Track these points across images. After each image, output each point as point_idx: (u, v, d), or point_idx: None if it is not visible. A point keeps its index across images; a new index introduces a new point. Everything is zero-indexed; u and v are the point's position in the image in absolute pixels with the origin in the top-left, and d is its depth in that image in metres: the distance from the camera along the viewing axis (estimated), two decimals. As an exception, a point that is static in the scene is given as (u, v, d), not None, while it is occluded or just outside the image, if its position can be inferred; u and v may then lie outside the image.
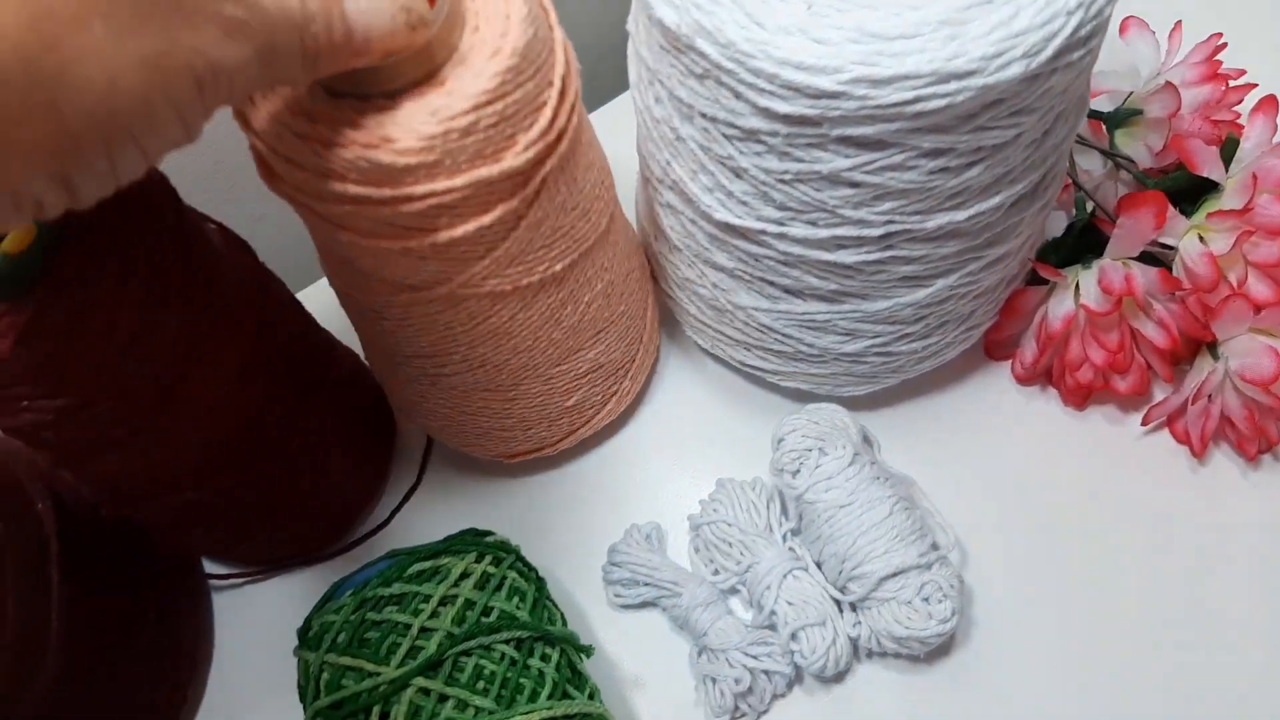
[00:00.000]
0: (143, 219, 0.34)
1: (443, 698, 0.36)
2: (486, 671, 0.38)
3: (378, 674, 0.37)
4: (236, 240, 0.43)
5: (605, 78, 0.60)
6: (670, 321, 0.56)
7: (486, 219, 0.36)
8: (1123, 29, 0.51)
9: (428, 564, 0.40)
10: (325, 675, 0.39)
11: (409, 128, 0.32)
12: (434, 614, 0.38)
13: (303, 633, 0.41)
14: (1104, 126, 0.52)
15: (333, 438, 0.49)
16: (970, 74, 0.32)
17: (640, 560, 0.50)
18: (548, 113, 0.35)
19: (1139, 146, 0.50)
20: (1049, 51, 0.32)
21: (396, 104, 0.33)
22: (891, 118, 0.33)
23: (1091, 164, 0.53)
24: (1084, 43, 0.33)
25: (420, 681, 0.36)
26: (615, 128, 0.52)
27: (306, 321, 0.47)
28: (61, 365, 0.34)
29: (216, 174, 0.44)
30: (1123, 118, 0.50)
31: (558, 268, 0.41)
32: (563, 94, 0.36)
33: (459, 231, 0.36)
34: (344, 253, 0.39)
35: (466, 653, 0.38)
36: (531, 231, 0.39)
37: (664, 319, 0.57)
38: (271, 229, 0.52)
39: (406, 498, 0.54)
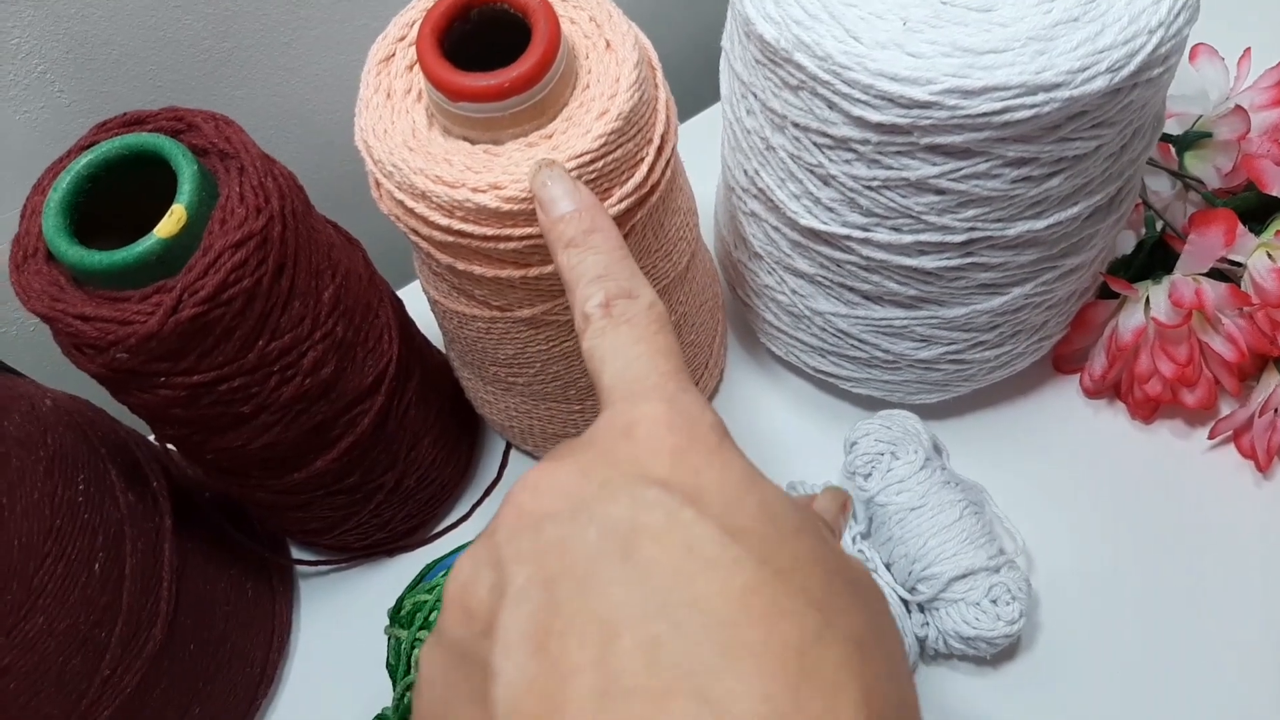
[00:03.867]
0: (281, 210, 0.37)
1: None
2: None
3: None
4: (351, 238, 0.46)
5: (693, 92, 0.63)
6: (744, 330, 0.58)
7: None
8: (1193, 55, 0.52)
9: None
10: (417, 651, 0.41)
11: (516, 177, 0.35)
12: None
13: (394, 612, 0.43)
14: (1173, 149, 0.53)
15: (426, 432, 0.51)
16: (1057, 86, 0.34)
17: (713, 557, 0.51)
18: (644, 169, 0.38)
19: (1208, 168, 0.51)
20: (1131, 67, 0.34)
21: (505, 151, 0.36)
22: (980, 127, 0.35)
23: (1160, 185, 0.54)
24: (1163, 60, 0.35)
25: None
26: (704, 138, 0.55)
27: (409, 319, 0.50)
28: (202, 341, 0.36)
29: (316, 179, 0.47)
30: (1192, 140, 0.52)
31: None
32: (660, 150, 0.39)
33: (548, 269, 0.39)
34: (440, 269, 0.41)
35: None
36: None
37: (738, 327, 0.59)
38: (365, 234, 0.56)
39: (488, 492, 0.56)
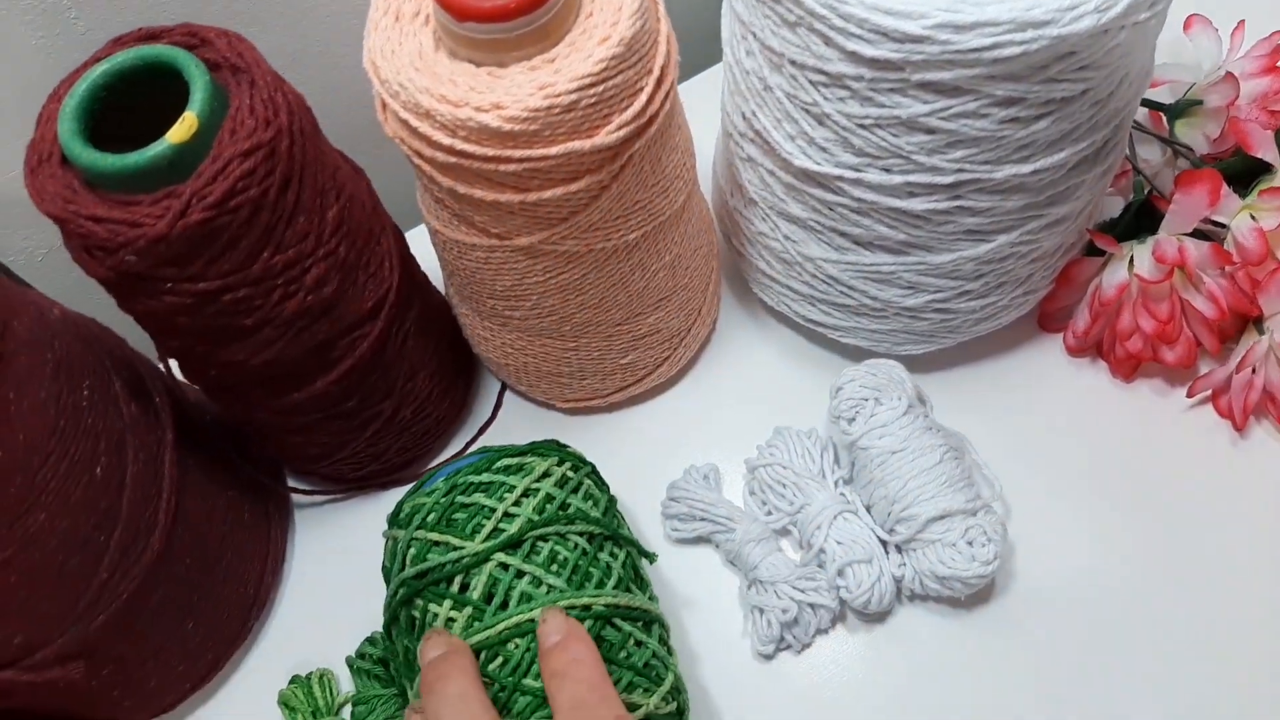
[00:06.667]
0: (289, 126, 0.38)
1: (520, 574, 0.40)
2: (560, 556, 0.41)
3: (462, 548, 0.40)
4: (357, 167, 0.47)
5: (703, 50, 0.64)
6: (738, 283, 0.59)
7: (574, 186, 0.40)
8: (1187, 25, 0.53)
9: (514, 460, 0.43)
10: (412, 550, 0.42)
11: (518, 98, 0.36)
12: (517, 502, 0.41)
13: (394, 515, 0.45)
14: (1164, 118, 0.55)
15: (423, 366, 0.52)
16: (1045, 24, 0.35)
17: (697, 497, 0.53)
18: (643, 98, 0.39)
19: (1197, 135, 0.53)
20: (1118, 9, 0.35)
21: (509, 74, 0.37)
22: (970, 63, 0.36)
23: (1151, 153, 0.56)
24: (1150, 4, 0.36)
25: (500, 557, 0.40)
26: (705, 98, 0.56)
27: (411, 254, 0.51)
28: (209, 248, 0.38)
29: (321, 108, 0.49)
30: (1183, 108, 0.53)
31: (632, 237, 0.45)
32: (659, 82, 0.40)
33: (547, 194, 0.40)
34: (441, 194, 0.42)
35: (544, 538, 0.41)
36: (613, 202, 0.42)
37: (732, 280, 0.60)
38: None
39: (482, 430, 0.57)
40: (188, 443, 0.48)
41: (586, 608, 0.40)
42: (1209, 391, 0.52)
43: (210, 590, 0.50)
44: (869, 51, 0.37)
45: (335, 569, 0.55)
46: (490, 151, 0.38)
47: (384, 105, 0.39)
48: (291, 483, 0.57)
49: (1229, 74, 0.50)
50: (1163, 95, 0.54)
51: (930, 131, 0.39)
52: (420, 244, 0.52)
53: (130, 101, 0.38)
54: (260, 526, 0.53)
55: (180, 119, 0.36)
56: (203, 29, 0.39)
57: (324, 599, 0.55)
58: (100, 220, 0.36)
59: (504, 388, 0.59)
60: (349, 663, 0.50)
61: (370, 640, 0.50)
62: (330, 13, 0.57)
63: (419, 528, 0.42)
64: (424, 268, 0.54)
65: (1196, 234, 0.49)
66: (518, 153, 0.38)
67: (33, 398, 0.39)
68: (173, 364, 0.47)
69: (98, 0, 0.50)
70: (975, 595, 0.50)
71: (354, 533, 0.56)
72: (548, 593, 0.40)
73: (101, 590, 0.43)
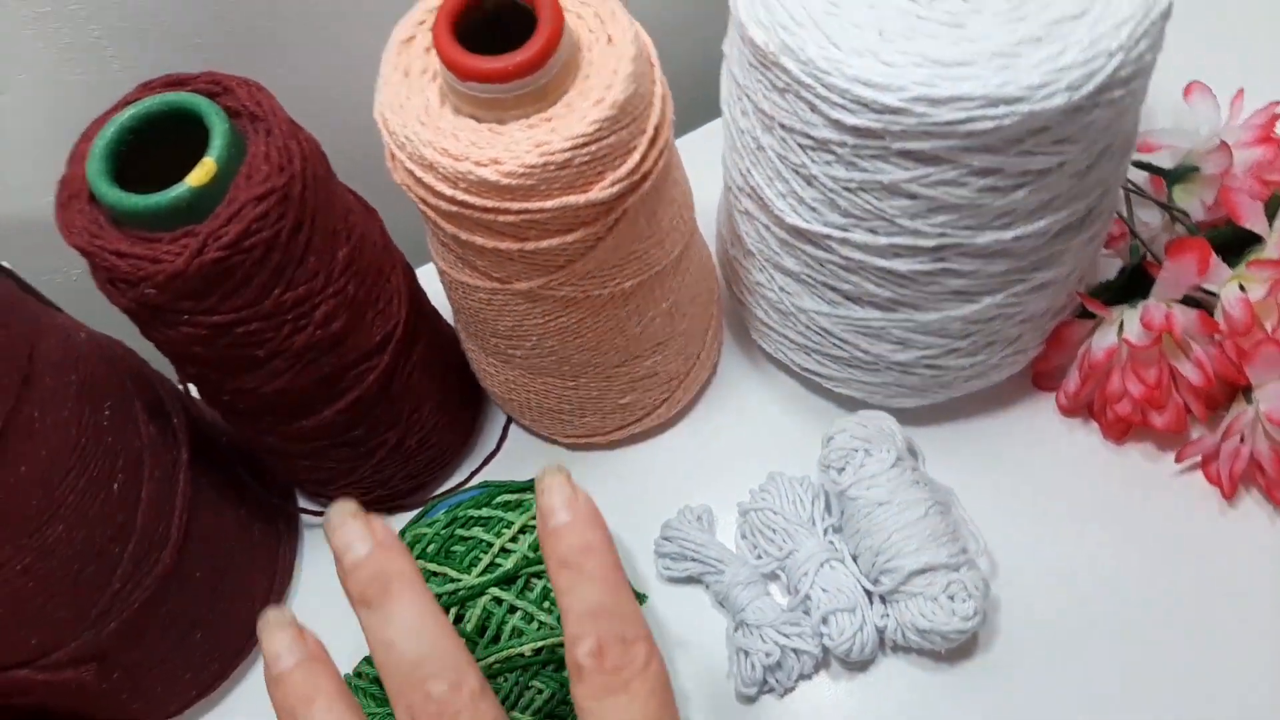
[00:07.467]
0: (302, 171, 0.41)
1: (512, 609, 0.42)
2: (553, 594, 0.42)
3: (459, 580, 0.42)
4: (369, 206, 0.49)
5: (708, 102, 0.66)
6: (738, 327, 0.61)
7: (569, 238, 0.42)
8: (1187, 92, 0.54)
9: (514, 496, 0.45)
10: None
11: (515, 154, 0.39)
12: (514, 538, 0.43)
13: (396, 542, 0.47)
14: (1164, 182, 0.55)
15: (429, 398, 0.54)
16: (1017, 100, 0.36)
17: (689, 537, 0.54)
18: (636, 156, 0.41)
19: (1194, 201, 0.53)
20: (1090, 87, 0.37)
21: (508, 130, 0.39)
22: (946, 134, 0.38)
23: (1151, 216, 0.56)
24: (1124, 83, 0.38)
25: (495, 591, 0.42)
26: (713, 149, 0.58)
27: (421, 290, 0.54)
28: (223, 284, 0.40)
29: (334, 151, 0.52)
30: (1181, 174, 0.54)
31: (627, 285, 0.47)
32: (653, 141, 0.42)
33: (543, 244, 0.42)
34: (445, 239, 0.45)
35: (538, 575, 0.43)
36: (608, 252, 0.44)
37: (734, 326, 0.62)
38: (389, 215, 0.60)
39: (486, 461, 0.59)
40: (202, 462, 0.51)
41: None
42: (1199, 458, 0.52)
43: (219, 604, 0.52)
44: (850, 120, 0.39)
45: (338, 588, 0.57)
46: (489, 203, 0.40)
47: (392, 155, 0.42)
48: (302, 504, 0.59)
49: (1223, 143, 0.50)
50: (1164, 160, 0.55)
51: (912, 197, 0.41)
52: (433, 278, 0.55)
53: (154, 140, 0.41)
54: (270, 544, 0.56)
55: (200, 164, 0.39)
56: (225, 77, 0.42)
57: (328, 617, 0.56)
58: (123, 255, 0.39)
59: (509, 420, 0.61)
60: (348, 680, 0.52)
61: (368, 660, 0.52)
62: (353, 59, 0.61)
63: (419, 557, 0.44)
64: (435, 300, 0.56)
65: (1189, 301, 0.50)
66: (515, 205, 0.40)
67: (56, 417, 0.42)
68: (191, 388, 0.49)
69: (132, 43, 0.54)
70: (958, 649, 0.50)
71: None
72: (538, 629, 0.41)
73: (114, 599, 0.46)
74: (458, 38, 0.38)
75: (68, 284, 0.62)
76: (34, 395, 0.41)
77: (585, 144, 0.39)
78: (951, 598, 0.48)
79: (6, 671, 0.44)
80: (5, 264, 0.43)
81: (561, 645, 0.41)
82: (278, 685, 0.31)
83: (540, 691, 0.41)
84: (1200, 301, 0.51)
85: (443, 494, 0.52)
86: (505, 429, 0.60)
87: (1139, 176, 0.57)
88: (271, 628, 0.32)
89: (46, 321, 0.43)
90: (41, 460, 0.41)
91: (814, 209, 0.44)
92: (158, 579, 0.47)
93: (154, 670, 0.50)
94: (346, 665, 0.52)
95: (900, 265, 0.44)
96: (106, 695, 0.49)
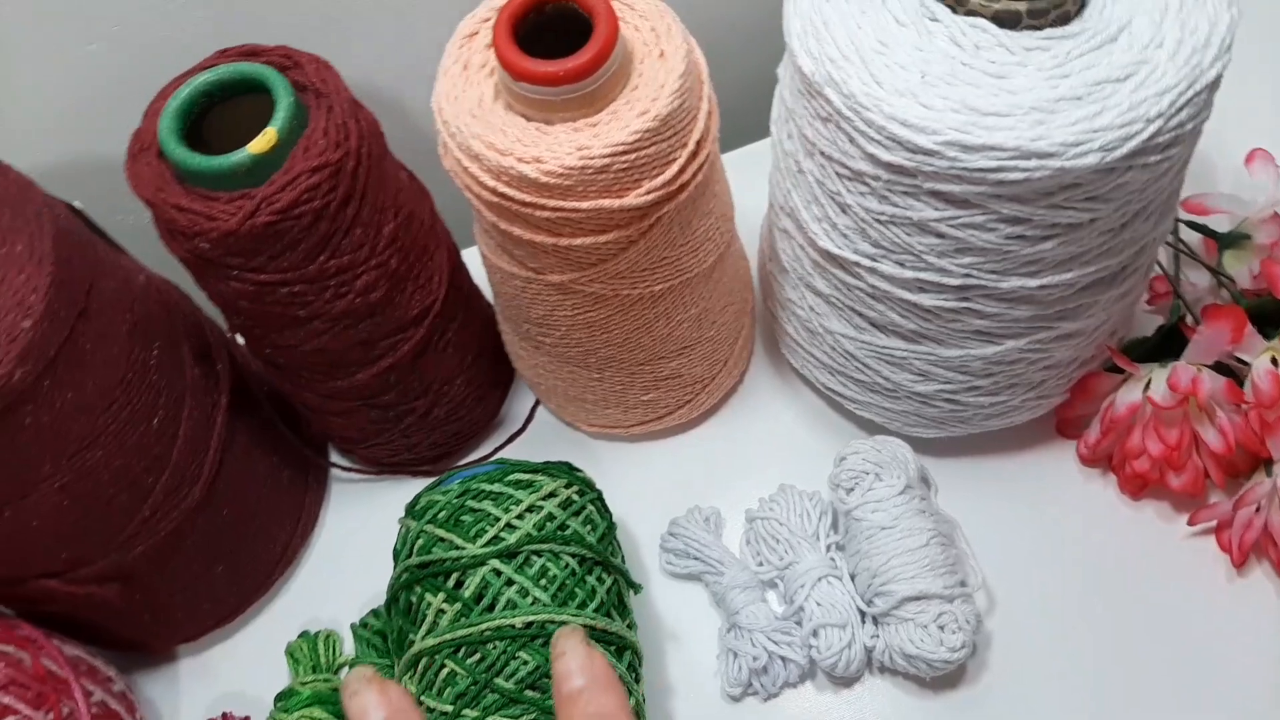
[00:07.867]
0: (357, 149, 0.43)
1: (510, 581, 0.44)
2: (550, 573, 0.44)
3: (463, 549, 0.44)
4: (423, 187, 0.51)
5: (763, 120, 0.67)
6: (770, 340, 0.62)
7: (602, 238, 0.44)
8: (1249, 159, 0.54)
9: (526, 476, 0.47)
10: (420, 540, 0.46)
11: (557, 155, 0.40)
12: (521, 516, 0.45)
13: (411, 505, 0.49)
14: (1216, 246, 0.55)
15: (460, 372, 0.56)
16: (1049, 155, 0.37)
17: (695, 536, 0.56)
18: (674, 168, 0.42)
19: (1243, 269, 0.53)
20: (1124, 150, 0.37)
21: (554, 131, 0.41)
22: (976, 181, 0.38)
23: (1199, 278, 0.56)
24: (1161, 149, 0.38)
25: (495, 563, 0.44)
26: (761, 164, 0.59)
27: (464, 270, 0.56)
28: (272, 246, 0.42)
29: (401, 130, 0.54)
30: (1233, 239, 0.53)
31: (657, 288, 0.48)
32: (694, 155, 0.43)
33: (577, 242, 0.44)
34: (487, 225, 0.46)
35: (538, 553, 0.45)
36: (640, 256, 0.46)
37: (765, 336, 0.62)
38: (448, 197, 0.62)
39: (510, 440, 0.61)
40: (241, 408, 0.53)
41: (564, 625, 0.43)
42: (1213, 523, 0.52)
43: (242, 542, 0.55)
44: (885, 156, 0.39)
45: (358, 542, 0.60)
46: (527, 198, 0.41)
47: (444, 143, 0.44)
48: (333, 458, 0.62)
49: (1275, 214, 0.50)
50: (1219, 223, 0.55)
51: (940, 235, 0.42)
52: (478, 261, 0.57)
53: (225, 103, 0.44)
54: (297, 493, 0.59)
55: (263, 132, 0.41)
56: (297, 53, 0.44)
57: (344, 567, 0.59)
58: (183, 210, 0.42)
59: (538, 402, 0.62)
60: (353, 629, 0.55)
61: (374, 613, 0.55)
62: (426, 41, 0.63)
63: (429, 522, 0.46)
64: (478, 282, 0.58)
65: (1221, 367, 0.50)
66: (552, 202, 0.41)
67: (106, 352, 0.45)
68: (239, 338, 0.52)
69: (218, 10, 0.56)
70: (944, 679, 0.51)
71: (380, 512, 0.60)
72: (531, 604, 0.43)
73: (143, 526, 0.49)
74: (517, 39, 0.40)
75: (139, 225, 0.65)
76: (88, 329, 0.44)
77: (624, 152, 0.40)
78: (942, 628, 0.49)
79: (37, 580, 0.47)
80: (78, 204, 0.46)
81: (550, 622, 0.43)
82: (566, 702, 0.31)
83: (525, 663, 0.43)
84: (1232, 369, 0.50)
85: (462, 465, 0.54)
86: (532, 411, 0.62)
87: (1193, 238, 0.56)
88: (565, 642, 0.32)
89: (109, 262, 0.46)
90: (88, 390, 0.44)
91: (846, 236, 0.45)
92: (186, 512, 0.50)
93: (175, 596, 0.53)
94: (353, 613, 0.55)
95: (925, 300, 0.45)
96: (128, 613, 0.52)
